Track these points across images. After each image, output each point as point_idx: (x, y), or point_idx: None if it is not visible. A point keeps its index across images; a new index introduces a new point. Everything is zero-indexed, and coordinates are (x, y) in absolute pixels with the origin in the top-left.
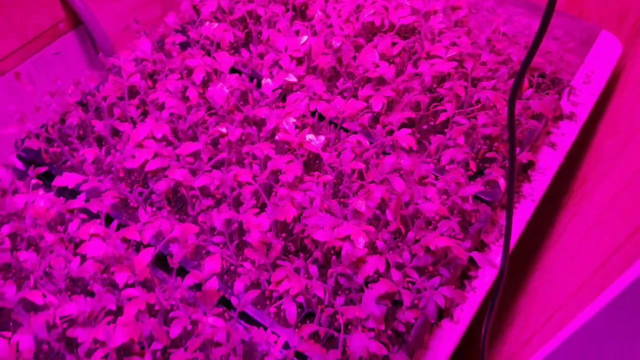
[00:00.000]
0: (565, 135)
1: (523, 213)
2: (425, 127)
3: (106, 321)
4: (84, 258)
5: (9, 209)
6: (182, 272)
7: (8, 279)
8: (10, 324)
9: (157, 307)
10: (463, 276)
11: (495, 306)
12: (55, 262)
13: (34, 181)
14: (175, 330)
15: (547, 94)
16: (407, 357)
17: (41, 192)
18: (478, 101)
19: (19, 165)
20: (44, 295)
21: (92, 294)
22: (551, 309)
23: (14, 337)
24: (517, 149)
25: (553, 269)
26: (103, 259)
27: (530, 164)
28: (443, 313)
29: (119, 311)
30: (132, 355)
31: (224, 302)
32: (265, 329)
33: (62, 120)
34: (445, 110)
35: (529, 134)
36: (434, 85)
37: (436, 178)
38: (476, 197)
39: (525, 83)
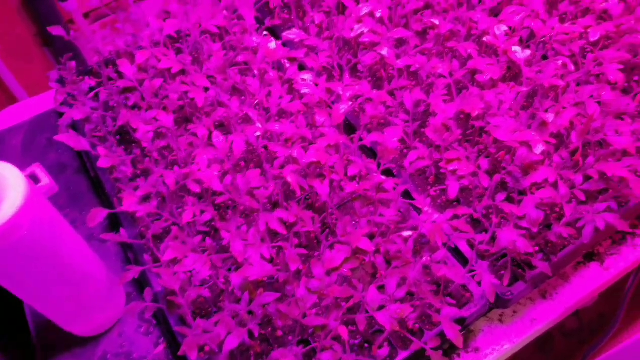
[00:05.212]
0: None
1: None
2: (636, 77)
3: (301, 145)
4: (293, 97)
5: (246, 44)
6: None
7: (233, 97)
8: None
9: (342, 151)
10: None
11: None
12: (273, 93)
13: (265, 32)
14: (352, 170)
15: None
16: (549, 268)
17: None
18: None
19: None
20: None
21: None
22: None
23: (230, 137)
24: None
25: None
26: (309, 100)
27: None
28: (594, 257)
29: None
30: (316, 177)
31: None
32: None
33: None
34: None
35: None
36: None
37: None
38: None
39: None
